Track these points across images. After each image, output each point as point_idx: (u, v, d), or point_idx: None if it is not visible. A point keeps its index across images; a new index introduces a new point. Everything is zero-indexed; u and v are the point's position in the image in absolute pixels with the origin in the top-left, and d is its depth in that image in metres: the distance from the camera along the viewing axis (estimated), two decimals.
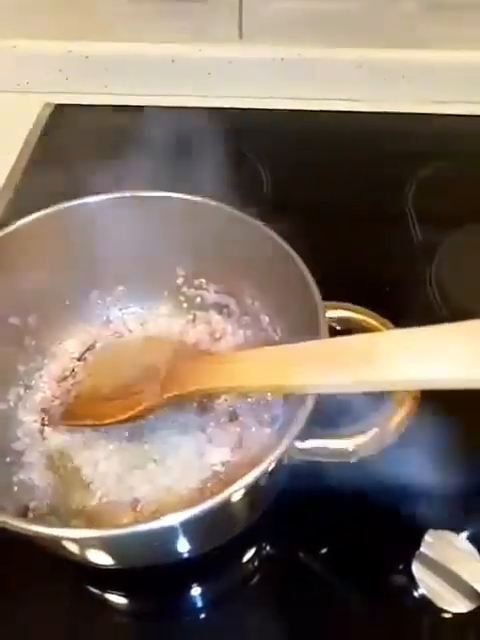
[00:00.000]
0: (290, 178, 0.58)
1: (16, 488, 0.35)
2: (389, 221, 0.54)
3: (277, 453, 0.25)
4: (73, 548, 0.28)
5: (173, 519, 0.25)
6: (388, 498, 0.34)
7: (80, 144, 0.62)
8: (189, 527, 0.27)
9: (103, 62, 0.66)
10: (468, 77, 0.65)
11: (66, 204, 0.38)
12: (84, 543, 0.27)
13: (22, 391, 0.39)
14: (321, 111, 0.64)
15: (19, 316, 0.38)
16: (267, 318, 0.40)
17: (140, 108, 0.66)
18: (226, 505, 0.26)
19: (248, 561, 0.36)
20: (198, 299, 0.43)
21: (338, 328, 0.31)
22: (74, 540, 0.27)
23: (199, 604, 0.35)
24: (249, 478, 0.25)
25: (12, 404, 0.38)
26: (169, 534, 0.28)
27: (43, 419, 0.38)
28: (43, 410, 0.39)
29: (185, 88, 0.67)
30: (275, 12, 0.62)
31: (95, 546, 0.29)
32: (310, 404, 0.26)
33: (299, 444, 0.27)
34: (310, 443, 0.27)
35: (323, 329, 0.29)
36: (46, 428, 0.38)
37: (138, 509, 0.34)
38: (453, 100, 0.65)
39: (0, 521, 0.25)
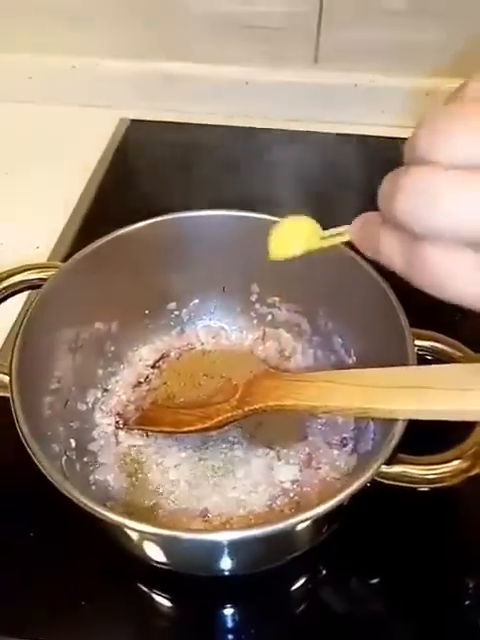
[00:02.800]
0: (362, 204, 0.58)
1: (94, 487, 0.36)
2: None
3: (368, 474, 0.26)
4: (138, 541, 0.30)
5: (243, 534, 0.26)
6: (459, 529, 0.34)
7: (154, 160, 0.65)
8: (255, 544, 0.28)
9: (180, 82, 0.68)
10: None
11: (156, 219, 0.40)
12: (147, 538, 0.29)
13: (100, 394, 0.40)
14: (390, 137, 0.65)
15: (104, 321, 0.40)
16: (340, 340, 0.40)
17: (213, 127, 0.68)
18: (306, 524, 0.27)
19: (301, 584, 0.35)
20: (269, 316, 0.44)
21: (428, 357, 0.31)
22: (143, 534, 0.27)
23: (241, 622, 0.34)
24: (337, 499, 0.26)
25: (90, 406, 0.40)
26: (237, 546, 0.28)
27: (117, 422, 0.40)
28: (118, 414, 0.40)
29: (258, 109, 0.68)
30: (350, 39, 0.63)
31: (155, 543, 0.30)
32: (402, 427, 0.27)
33: (384, 468, 0.27)
34: (395, 468, 0.28)
35: (412, 356, 0.30)
36: (120, 431, 0.39)
37: (208, 518, 0.35)
38: None
39: (83, 502, 0.26)
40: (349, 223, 0.23)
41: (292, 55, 0.66)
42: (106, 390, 0.41)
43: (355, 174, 0.62)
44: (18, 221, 0.56)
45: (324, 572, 0.36)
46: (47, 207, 0.58)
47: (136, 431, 0.39)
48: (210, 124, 0.68)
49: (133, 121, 0.70)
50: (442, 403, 0.27)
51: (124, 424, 0.39)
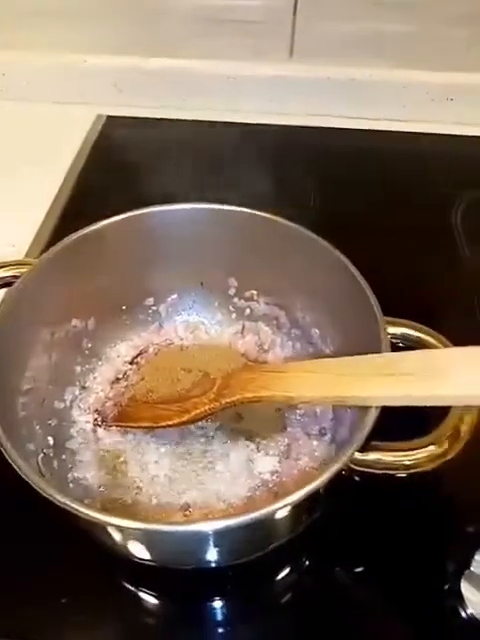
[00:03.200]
0: (337, 195, 0.59)
1: (71, 485, 0.36)
2: (436, 240, 0.54)
3: (341, 461, 0.26)
4: (119, 538, 0.29)
5: (224, 523, 0.26)
6: (438, 515, 0.34)
7: (131, 156, 0.64)
8: (237, 534, 0.28)
9: (158, 77, 0.68)
10: None
11: (131, 213, 0.39)
12: (129, 534, 0.28)
13: (77, 391, 0.40)
14: (368, 130, 0.65)
15: (80, 318, 0.40)
16: (318, 331, 0.40)
17: (192, 122, 0.68)
18: (285, 512, 0.27)
19: (285, 574, 0.36)
20: (248, 310, 0.44)
21: (400, 345, 0.32)
22: (125, 530, 0.27)
23: (228, 614, 0.35)
24: (312, 486, 0.26)
25: (68, 404, 0.39)
26: (216, 538, 0.29)
27: (96, 419, 0.39)
28: (96, 411, 0.40)
29: (237, 104, 0.68)
30: (325, 33, 0.63)
31: (138, 538, 0.29)
32: (374, 414, 0.27)
33: (359, 456, 0.27)
34: (370, 456, 0.28)
35: (385, 344, 0.30)
36: (99, 429, 0.39)
37: (188, 513, 0.35)
38: None
39: (62, 502, 0.26)
40: None
41: (269, 49, 0.66)
42: (84, 387, 0.41)
43: (333, 166, 0.62)
44: None
45: (307, 562, 0.36)
46: (23, 205, 0.57)
47: (115, 428, 0.39)
48: (187, 119, 0.68)
49: (110, 117, 0.69)
50: (416, 389, 0.27)
51: (102, 421, 0.39)
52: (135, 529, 0.27)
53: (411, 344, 0.32)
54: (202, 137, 0.67)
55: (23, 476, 0.27)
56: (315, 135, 0.65)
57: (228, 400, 0.33)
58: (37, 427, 0.35)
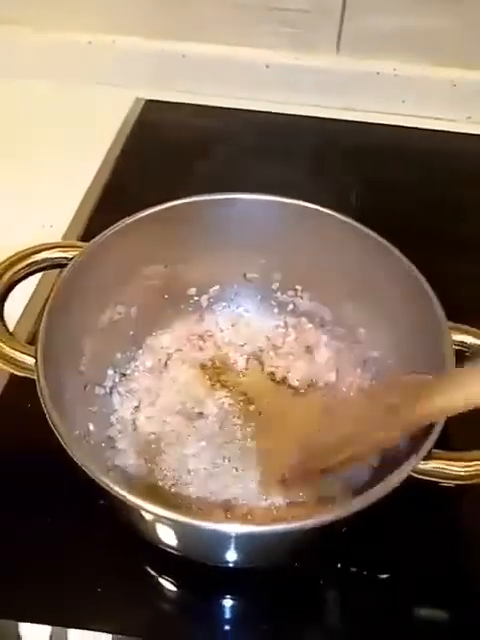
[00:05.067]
0: (378, 193, 0.58)
1: (111, 473, 0.35)
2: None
3: (406, 470, 0.25)
4: (157, 528, 0.29)
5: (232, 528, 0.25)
6: (469, 523, 0.33)
7: (170, 141, 0.63)
8: (275, 540, 0.27)
9: (198, 62, 0.67)
10: None
11: (176, 202, 0.39)
12: (167, 525, 0.28)
13: (117, 378, 0.40)
14: (413, 128, 0.64)
15: (124, 305, 0.39)
16: (364, 331, 0.39)
17: (230, 110, 0.67)
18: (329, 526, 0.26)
19: (320, 581, 0.34)
20: (291, 305, 0.43)
21: (467, 353, 0.31)
22: (168, 521, 0.27)
23: (249, 614, 0.34)
24: (374, 495, 0.25)
25: (108, 390, 0.39)
26: (260, 541, 0.28)
27: (137, 407, 0.39)
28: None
29: (277, 94, 0.67)
30: (374, 27, 0.62)
31: (176, 529, 0.29)
32: (441, 421, 0.26)
33: (422, 465, 0.27)
34: (431, 464, 0.27)
35: (449, 350, 0.29)
36: (139, 416, 0.38)
37: (229, 508, 0.34)
38: None
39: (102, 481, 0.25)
40: None
41: (314, 41, 0.64)
42: (124, 375, 0.40)
43: (376, 163, 0.61)
44: (33, 200, 0.55)
45: (338, 566, 0.35)
46: (61, 186, 0.57)
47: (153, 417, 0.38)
48: (227, 107, 0.67)
49: (149, 101, 0.68)
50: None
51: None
52: (174, 521, 0.26)
53: (474, 351, 0.31)
54: (241, 126, 0.66)
55: (77, 461, 0.26)
56: (357, 130, 0.64)
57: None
58: (80, 412, 0.35)
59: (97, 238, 0.36)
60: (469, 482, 0.28)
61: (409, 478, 0.28)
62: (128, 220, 0.37)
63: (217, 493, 0.35)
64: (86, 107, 0.65)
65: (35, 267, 0.33)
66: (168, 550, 0.32)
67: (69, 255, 0.34)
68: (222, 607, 0.34)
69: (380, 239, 0.35)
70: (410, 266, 0.33)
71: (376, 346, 0.39)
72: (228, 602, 0.34)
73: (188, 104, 0.68)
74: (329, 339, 0.42)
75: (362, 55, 0.64)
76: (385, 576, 0.35)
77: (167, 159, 0.62)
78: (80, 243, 0.35)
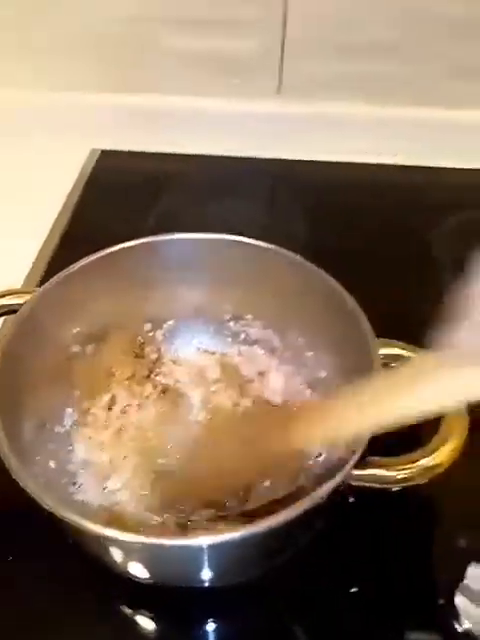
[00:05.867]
0: (326, 225, 0.61)
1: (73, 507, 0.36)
2: (420, 266, 0.57)
3: (339, 477, 0.27)
4: (113, 553, 0.30)
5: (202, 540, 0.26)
6: (432, 529, 0.35)
7: (125, 189, 0.66)
8: (232, 550, 0.29)
9: (149, 113, 0.71)
10: None
11: (127, 243, 0.41)
12: (128, 549, 0.29)
13: (77, 416, 0.41)
14: (354, 163, 0.68)
15: (80, 344, 0.41)
16: (311, 353, 0.42)
17: (182, 156, 0.70)
18: (275, 531, 0.28)
19: (281, 595, 0.36)
20: (243, 334, 0.46)
21: (392, 365, 0.33)
22: (124, 544, 0.28)
23: (221, 636, 0.35)
24: (308, 502, 0.27)
25: (68, 427, 0.40)
26: (203, 554, 0.29)
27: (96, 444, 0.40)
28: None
29: (224, 139, 0.71)
30: (313, 70, 0.67)
31: (130, 553, 0.30)
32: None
33: (355, 471, 0.28)
34: (366, 471, 0.29)
35: (376, 365, 0.31)
36: (100, 453, 0.39)
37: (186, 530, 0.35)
38: None
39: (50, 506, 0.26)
40: None
41: (257, 86, 0.69)
42: (83, 412, 0.41)
43: (320, 200, 0.65)
44: None
45: (303, 583, 0.36)
46: (20, 236, 0.58)
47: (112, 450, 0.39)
48: (180, 153, 0.70)
49: (104, 152, 0.72)
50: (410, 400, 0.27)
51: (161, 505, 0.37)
52: (135, 543, 0.27)
53: (401, 362, 0.33)
54: (193, 170, 0.69)
55: (36, 498, 0.27)
56: (303, 169, 0.68)
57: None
58: (39, 450, 0.36)
59: (49, 282, 0.38)
60: (408, 484, 0.30)
61: (351, 488, 0.30)
62: (78, 265, 0.39)
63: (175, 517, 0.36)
64: (42, 159, 0.68)
65: None
66: (139, 580, 0.33)
67: (22, 300, 0.36)
68: (198, 635, 0.34)
69: (314, 267, 0.38)
70: (340, 289, 0.36)
71: (323, 368, 0.41)
72: (203, 628, 0.35)
73: (142, 152, 0.71)
74: (279, 364, 0.44)
75: (303, 97, 0.69)
76: (354, 589, 0.36)
77: (123, 206, 0.64)
78: (34, 288, 0.37)
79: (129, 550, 0.30)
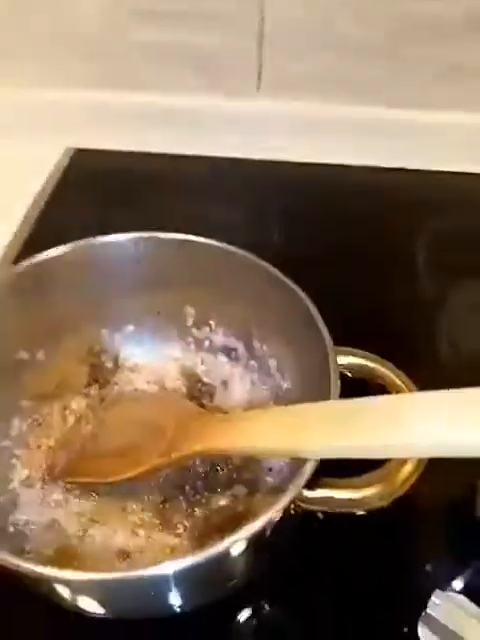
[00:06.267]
0: (300, 228, 0.59)
1: (12, 529, 0.34)
2: (397, 271, 0.54)
3: (285, 500, 0.24)
4: (62, 591, 0.27)
5: (167, 568, 0.24)
6: (394, 555, 0.33)
7: (97, 188, 0.64)
8: (184, 577, 0.26)
9: (125, 111, 0.69)
10: (475, 138, 0.67)
11: (82, 241, 0.39)
12: (73, 586, 0.26)
13: (24, 427, 0.38)
14: (333, 165, 0.66)
15: (28, 351, 0.38)
16: (275, 362, 0.39)
17: (156, 155, 0.68)
18: (227, 555, 0.25)
19: (243, 621, 0.33)
20: (207, 342, 0.43)
21: (349, 375, 0.31)
22: (60, 581, 0.25)
23: None
24: (255, 526, 0.24)
25: (10, 441, 0.37)
26: (162, 584, 0.27)
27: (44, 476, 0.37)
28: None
29: (200, 137, 0.69)
30: (293, 69, 0.65)
31: (84, 590, 0.27)
32: None
33: (307, 493, 0.26)
34: (318, 493, 0.26)
35: (334, 375, 0.29)
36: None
37: (128, 559, 0.33)
38: (461, 159, 0.67)
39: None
40: None
41: (234, 83, 0.67)
42: (29, 423, 0.39)
43: (297, 202, 0.62)
44: None
45: (264, 605, 0.34)
46: None
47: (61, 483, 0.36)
48: (153, 152, 0.68)
49: (78, 150, 0.69)
50: (376, 438, 0.25)
51: (48, 474, 0.36)
52: (83, 581, 0.25)
53: (363, 375, 0.31)
54: (167, 170, 0.67)
55: None
56: (279, 169, 0.66)
57: (177, 455, 0.31)
58: None
59: None
60: (366, 508, 0.28)
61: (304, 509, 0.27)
62: (26, 263, 0.37)
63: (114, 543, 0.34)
64: (15, 158, 0.66)
65: None
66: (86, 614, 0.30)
67: None
68: None
69: (272, 269, 0.36)
70: (298, 291, 0.33)
71: (286, 379, 0.38)
72: None
73: (116, 151, 0.69)
74: (243, 373, 0.42)
75: (282, 95, 0.67)
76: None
77: (95, 206, 0.62)
78: None
79: (78, 587, 0.27)
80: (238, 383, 0.42)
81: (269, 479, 0.36)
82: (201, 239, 0.40)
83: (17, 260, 0.54)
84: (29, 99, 0.68)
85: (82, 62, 0.66)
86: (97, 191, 0.64)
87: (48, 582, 0.26)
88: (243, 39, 0.63)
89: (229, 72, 0.65)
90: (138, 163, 0.67)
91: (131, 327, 0.43)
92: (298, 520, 0.29)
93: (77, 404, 0.40)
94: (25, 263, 0.37)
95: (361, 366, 0.31)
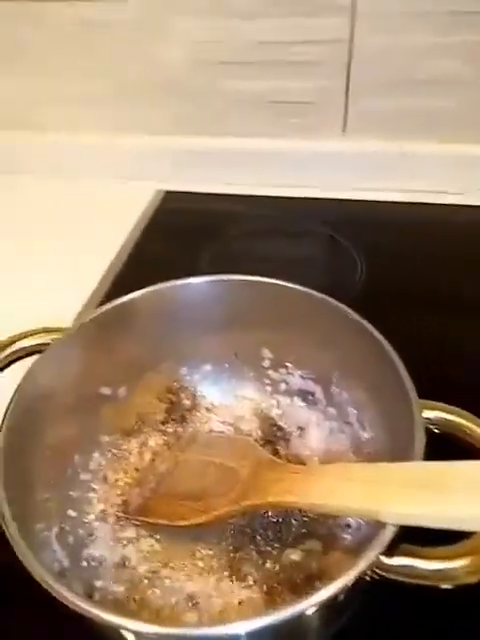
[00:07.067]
0: (385, 268, 0.57)
1: (85, 564, 0.34)
2: None
3: (361, 567, 0.23)
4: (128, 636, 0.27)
5: (238, 627, 0.23)
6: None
7: (187, 230, 0.66)
8: (253, 636, 0.25)
9: (214, 154, 0.71)
10: None
11: (164, 284, 0.40)
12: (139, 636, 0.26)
13: (103, 461, 0.39)
14: (421, 203, 0.64)
15: (110, 386, 0.39)
16: (355, 411, 0.38)
17: (247, 197, 0.70)
18: (299, 618, 0.24)
19: None
20: (283, 384, 0.42)
21: (436, 431, 0.28)
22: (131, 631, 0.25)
23: None
24: (329, 591, 0.23)
25: (94, 475, 0.38)
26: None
27: (119, 512, 0.37)
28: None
29: (288, 180, 0.70)
30: (377, 109, 0.64)
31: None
32: None
33: (385, 560, 0.24)
34: (397, 560, 0.24)
35: (419, 430, 0.27)
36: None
37: (196, 606, 0.32)
38: None
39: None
40: None
41: (321, 126, 0.67)
42: (108, 458, 0.39)
43: (384, 240, 0.61)
44: (51, 290, 0.58)
45: None
46: (77, 277, 0.60)
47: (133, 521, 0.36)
48: (242, 194, 0.70)
49: (168, 193, 0.73)
50: (468, 508, 0.23)
51: (123, 512, 0.37)
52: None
53: (452, 431, 0.29)
54: (256, 210, 0.68)
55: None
56: (366, 208, 0.65)
57: (249, 503, 0.30)
58: (56, 498, 0.34)
59: (75, 324, 0.37)
60: (446, 583, 0.25)
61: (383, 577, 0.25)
62: (110, 305, 0.39)
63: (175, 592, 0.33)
64: (108, 201, 0.70)
65: (12, 357, 0.35)
66: None
67: (49, 340, 0.36)
68: None
69: (355, 316, 0.34)
70: (382, 341, 0.32)
71: (366, 429, 0.36)
72: None
73: (206, 194, 0.71)
74: (321, 419, 0.40)
75: (367, 136, 0.66)
76: None
77: (184, 247, 0.64)
78: (58, 327, 0.37)
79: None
80: (315, 429, 0.40)
81: (346, 536, 0.34)
82: (279, 281, 0.39)
83: (107, 298, 0.56)
84: (122, 143, 0.73)
85: (176, 109, 0.70)
86: (184, 233, 0.66)
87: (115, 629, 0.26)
88: (330, 83, 0.63)
89: (317, 115, 0.66)
90: (228, 205, 0.69)
91: (208, 367, 0.43)
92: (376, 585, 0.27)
93: (154, 441, 0.41)
94: (111, 304, 0.38)
95: (449, 421, 0.29)
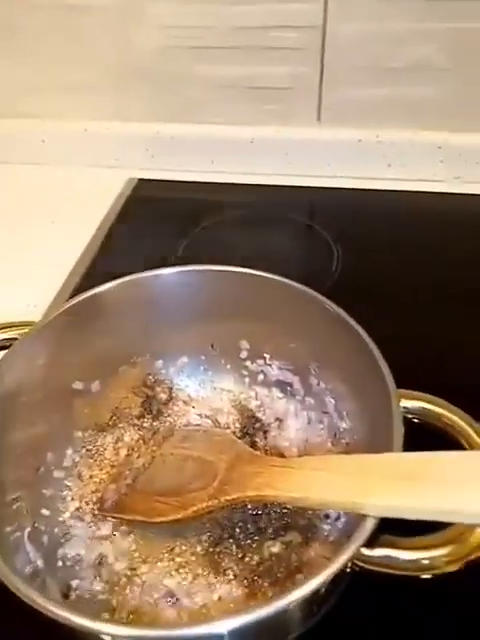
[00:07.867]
0: (362, 257, 0.57)
1: (60, 563, 0.33)
2: (467, 305, 0.51)
3: (342, 560, 0.22)
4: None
5: (223, 625, 0.22)
6: (463, 627, 0.29)
7: (159, 218, 0.65)
8: (234, 633, 0.24)
9: (189, 142, 0.70)
10: None
11: (137, 275, 0.39)
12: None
13: (77, 458, 0.38)
14: (396, 191, 0.64)
15: (83, 381, 0.38)
16: (333, 401, 0.37)
17: (219, 184, 0.68)
18: (280, 613, 0.23)
19: None
20: (261, 375, 0.42)
21: (415, 420, 0.28)
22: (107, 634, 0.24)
23: None
24: (310, 585, 0.22)
25: (68, 472, 0.37)
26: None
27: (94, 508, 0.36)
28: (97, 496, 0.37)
29: (263, 167, 0.69)
30: (353, 96, 0.64)
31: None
32: None
33: (366, 551, 0.24)
34: (378, 552, 0.24)
35: (397, 419, 0.27)
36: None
37: (176, 603, 0.31)
38: None
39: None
40: None
41: (298, 113, 0.66)
42: (88, 454, 0.38)
43: (359, 229, 0.61)
44: (21, 279, 0.56)
45: None
46: (47, 265, 0.58)
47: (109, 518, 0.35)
48: (216, 182, 0.69)
49: (141, 180, 0.71)
50: (450, 501, 0.23)
51: (99, 509, 0.36)
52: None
53: (430, 420, 0.29)
54: (230, 199, 0.67)
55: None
56: (341, 196, 0.64)
57: (228, 498, 0.30)
58: (29, 496, 0.33)
59: (45, 317, 0.36)
60: (432, 572, 0.25)
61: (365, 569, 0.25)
62: (82, 297, 0.37)
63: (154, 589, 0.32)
64: (80, 188, 0.68)
65: None
66: None
67: (18, 334, 0.34)
68: None
69: (333, 306, 0.34)
70: (360, 331, 0.32)
71: (344, 418, 0.36)
72: None
73: (179, 181, 0.70)
74: (299, 409, 0.40)
75: (343, 124, 0.66)
76: None
77: (156, 236, 0.63)
78: (30, 321, 0.35)
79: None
80: (293, 420, 0.40)
81: (326, 527, 0.33)
82: (255, 271, 0.39)
83: (78, 290, 0.55)
84: (96, 130, 0.70)
85: (147, 95, 0.68)
86: (157, 221, 0.64)
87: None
88: (304, 70, 0.63)
89: (291, 103, 0.65)
90: (200, 193, 0.68)
91: (185, 359, 0.42)
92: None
93: (130, 436, 0.40)
94: (83, 295, 0.37)
95: (427, 411, 0.29)
